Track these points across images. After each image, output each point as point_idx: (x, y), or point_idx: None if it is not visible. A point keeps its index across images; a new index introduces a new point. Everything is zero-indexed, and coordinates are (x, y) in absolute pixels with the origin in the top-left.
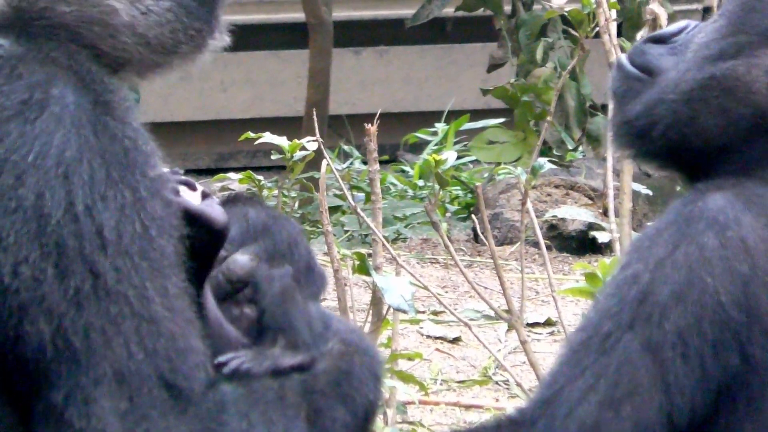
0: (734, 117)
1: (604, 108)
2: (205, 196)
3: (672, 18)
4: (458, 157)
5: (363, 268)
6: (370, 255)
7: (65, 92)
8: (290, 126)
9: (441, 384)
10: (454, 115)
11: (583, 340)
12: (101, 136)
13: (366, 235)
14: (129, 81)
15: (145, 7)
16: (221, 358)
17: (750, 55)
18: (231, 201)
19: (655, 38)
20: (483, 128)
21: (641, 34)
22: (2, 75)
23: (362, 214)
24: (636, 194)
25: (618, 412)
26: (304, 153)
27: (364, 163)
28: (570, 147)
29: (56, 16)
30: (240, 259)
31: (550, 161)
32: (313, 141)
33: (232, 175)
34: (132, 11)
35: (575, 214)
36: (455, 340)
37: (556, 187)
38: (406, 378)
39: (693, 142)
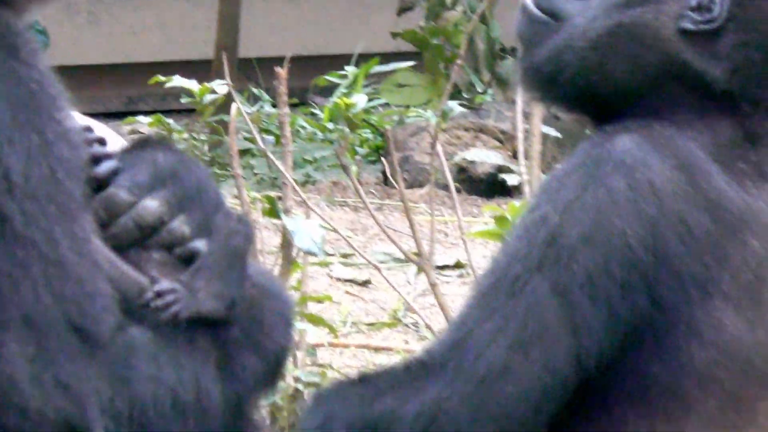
0: (643, 63)
1: (513, 51)
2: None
3: None
4: (368, 100)
5: (272, 211)
6: (279, 198)
7: None
8: (200, 69)
9: (351, 326)
10: (364, 59)
11: (492, 283)
12: (6, 79)
13: (276, 178)
14: (29, 12)
15: None
16: (158, 287)
17: (658, 2)
18: (139, 145)
19: None
20: (393, 71)
21: None
22: None
23: (272, 156)
24: (545, 137)
25: (527, 354)
26: (213, 96)
27: (274, 106)
28: (479, 90)
29: None
30: (150, 205)
31: (459, 104)
32: (223, 84)
33: (141, 118)
34: None
35: (485, 156)
36: (365, 283)
37: (466, 129)
38: (315, 320)
39: (601, 88)
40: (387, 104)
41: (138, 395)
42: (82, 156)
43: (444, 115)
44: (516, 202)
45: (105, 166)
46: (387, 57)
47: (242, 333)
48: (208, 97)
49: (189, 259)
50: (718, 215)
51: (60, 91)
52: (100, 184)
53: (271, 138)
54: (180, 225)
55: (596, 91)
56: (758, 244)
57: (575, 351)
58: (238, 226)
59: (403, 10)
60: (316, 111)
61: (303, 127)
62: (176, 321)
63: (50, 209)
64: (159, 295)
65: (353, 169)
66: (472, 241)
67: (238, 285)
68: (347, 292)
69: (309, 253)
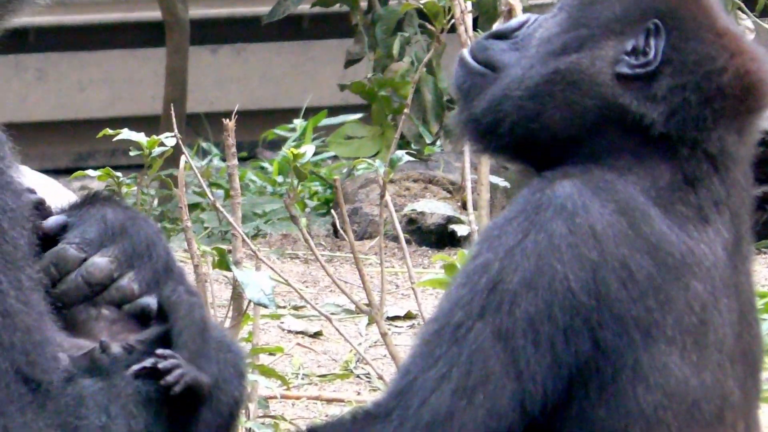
0: (581, 109)
1: None
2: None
3: (528, 10)
4: (317, 153)
5: (223, 263)
6: (230, 251)
7: None
8: (149, 124)
9: (302, 378)
10: (312, 112)
11: (436, 330)
12: None
13: (226, 232)
14: None
15: None
16: (160, 351)
17: (593, 47)
18: (89, 201)
19: (497, 34)
20: (341, 124)
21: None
22: None
23: (222, 209)
24: (494, 187)
25: (471, 400)
26: (162, 149)
27: (223, 160)
28: (428, 141)
29: None
30: (99, 262)
31: (408, 154)
32: (171, 137)
33: (90, 172)
34: None
35: (434, 207)
36: (316, 335)
37: (415, 181)
38: (267, 372)
39: (540, 136)
40: (336, 157)
41: None
42: (27, 205)
43: (392, 165)
44: (466, 251)
45: (53, 221)
46: (335, 110)
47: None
48: (157, 150)
49: (138, 316)
50: (660, 259)
51: (2, 141)
52: (47, 239)
53: (220, 192)
54: (129, 282)
55: (536, 139)
56: (701, 287)
57: (520, 396)
58: (193, 298)
59: (350, 63)
60: (266, 165)
61: (253, 181)
62: (180, 385)
63: None
64: (162, 357)
65: (303, 221)
66: (423, 292)
67: (214, 359)
68: (299, 344)
69: (260, 304)
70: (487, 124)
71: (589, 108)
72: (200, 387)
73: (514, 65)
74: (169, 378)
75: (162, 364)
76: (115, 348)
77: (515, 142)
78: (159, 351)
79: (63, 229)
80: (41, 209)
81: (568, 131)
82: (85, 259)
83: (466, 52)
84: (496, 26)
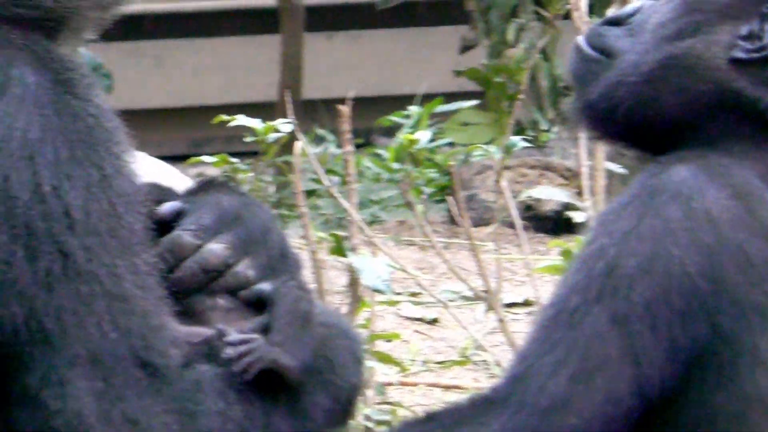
0: (696, 94)
1: None
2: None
3: None
4: (432, 140)
5: (339, 250)
6: (346, 237)
7: (25, 73)
8: (264, 111)
9: (420, 365)
10: (427, 99)
11: (552, 316)
12: (63, 115)
13: (342, 218)
14: (72, 44)
15: None
16: (230, 338)
17: (708, 32)
18: (204, 187)
19: (611, 20)
20: (456, 111)
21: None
22: None
23: (338, 195)
24: (610, 173)
25: (589, 385)
26: (277, 135)
27: (339, 146)
28: (544, 127)
29: None
30: (215, 249)
31: (524, 140)
32: (287, 123)
33: (206, 158)
34: None
35: (550, 194)
36: (433, 321)
37: (531, 167)
38: (385, 359)
39: (656, 121)
40: (451, 144)
41: (206, 431)
42: (142, 190)
43: (508, 150)
44: (582, 238)
45: (168, 207)
46: (450, 97)
47: (312, 371)
48: (273, 136)
49: (254, 303)
50: None
51: (117, 125)
52: (163, 225)
53: (336, 178)
54: (245, 269)
55: (651, 125)
56: None
57: (637, 381)
58: (303, 292)
59: (465, 49)
60: (381, 151)
61: (368, 168)
62: (249, 373)
63: (112, 244)
64: (231, 344)
65: (419, 207)
66: (540, 278)
67: (310, 348)
68: (416, 331)
69: (376, 290)
70: (602, 110)
71: (704, 93)
72: (282, 369)
73: (629, 51)
74: (234, 367)
75: (228, 351)
76: (239, 334)
77: (630, 128)
78: (230, 337)
79: (178, 215)
80: (157, 195)
81: (683, 116)
82: (200, 246)
83: (581, 39)
84: (611, 12)
